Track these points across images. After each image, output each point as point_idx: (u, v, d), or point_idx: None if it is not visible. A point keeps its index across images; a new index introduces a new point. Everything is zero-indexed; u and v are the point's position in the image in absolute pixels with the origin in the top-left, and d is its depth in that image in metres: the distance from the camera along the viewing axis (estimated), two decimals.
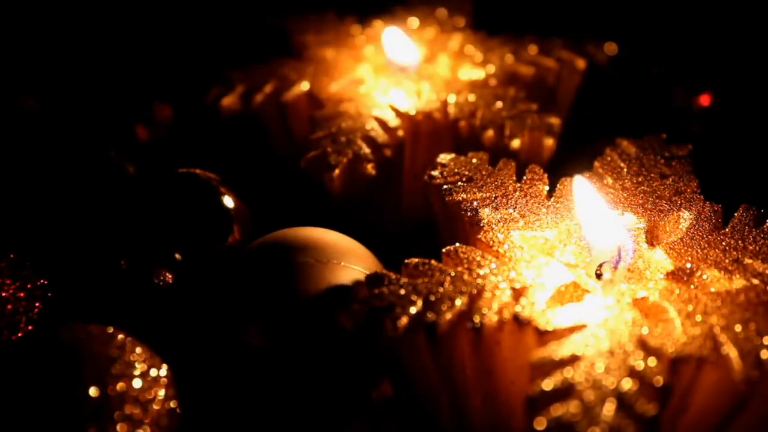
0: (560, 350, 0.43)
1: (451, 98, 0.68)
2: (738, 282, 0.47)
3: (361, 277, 0.52)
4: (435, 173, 0.57)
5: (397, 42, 0.74)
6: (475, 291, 0.46)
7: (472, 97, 0.68)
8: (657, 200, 0.55)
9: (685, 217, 0.53)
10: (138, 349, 0.48)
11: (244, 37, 0.91)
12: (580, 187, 0.53)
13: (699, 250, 0.51)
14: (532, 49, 0.75)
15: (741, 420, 0.43)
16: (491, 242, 0.50)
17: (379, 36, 0.78)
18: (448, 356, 0.47)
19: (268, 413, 0.53)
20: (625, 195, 0.56)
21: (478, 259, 0.48)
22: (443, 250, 0.49)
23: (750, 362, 0.41)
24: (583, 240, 0.52)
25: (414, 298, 0.46)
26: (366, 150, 0.64)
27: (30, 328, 0.55)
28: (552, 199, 0.55)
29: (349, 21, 0.82)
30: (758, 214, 0.53)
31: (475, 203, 0.54)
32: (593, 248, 0.51)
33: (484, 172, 0.57)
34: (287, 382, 0.52)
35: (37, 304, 0.56)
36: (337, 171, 0.62)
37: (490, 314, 0.45)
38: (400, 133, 0.66)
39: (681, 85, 0.85)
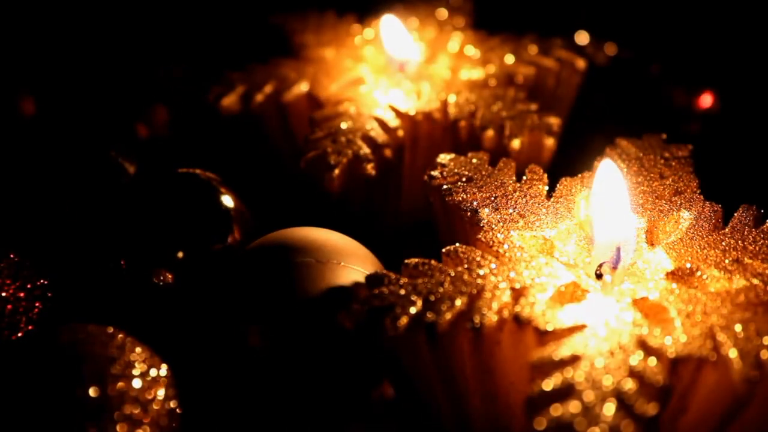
0: (560, 350, 0.43)
1: (451, 98, 0.68)
2: (738, 282, 0.47)
3: (361, 277, 0.52)
4: (435, 173, 0.57)
5: (395, 34, 0.74)
6: (475, 291, 0.46)
7: (472, 97, 0.68)
8: (657, 200, 0.55)
9: (685, 217, 0.53)
10: (138, 349, 0.48)
11: (244, 37, 0.91)
12: (603, 174, 0.53)
13: (699, 250, 0.51)
14: (532, 49, 0.75)
15: (741, 420, 0.43)
16: (491, 242, 0.50)
17: (379, 35, 0.78)
18: (448, 356, 0.47)
19: (268, 413, 0.53)
20: (626, 188, 0.56)
21: (478, 259, 0.48)
22: (443, 250, 0.49)
23: (750, 362, 0.41)
24: (584, 238, 0.52)
25: (414, 298, 0.46)
26: (366, 150, 0.64)
27: (30, 328, 0.55)
28: (552, 199, 0.55)
29: (348, 21, 0.82)
30: (758, 214, 0.53)
31: (475, 203, 0.54)
32: (595, 246, 0.51)
33: (484, 172, 0.57)
34: (287, 383, 0.52)
35: (37, 304, 0.56)
36: (337, 171, 0.62)
37: (490, 314, 0.45)
38: (400, 133, 0.66)
39: (681, 86, 0.85)
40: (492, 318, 0.45)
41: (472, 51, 0.76)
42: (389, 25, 0.75)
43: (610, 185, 0.52)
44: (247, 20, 0.94)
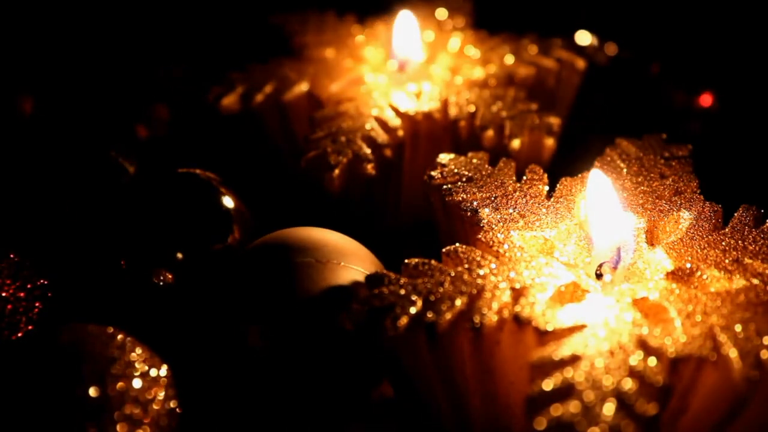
0: (560, 350, 0.43)
1: (451, 98, 0.68)
2: (738, 282, 0.47)
3: (361, 277, 0.52)
4: (435, 173, 0.57)
5: (407, 32, 0.74)
6: (475, 291, 0.46)
7: (472, 97, 0.68)
8: (657, 200, 0.55)
9: (685, 217, 0.53)
10: (138, 349, 0.48)
11: (244, 37, 0.91)
12: (594, 182, 0.53)
13: (699, 250, 0.51)
14: (532, 49, 0.75)
15: (741, 420, 0.43)
16: (491, 242, 0.50)
17: (379, 36, 0.78)
18: (448, 356, 0.47)
19: (268, 413, 0.53)
20: (625, 195, 0.56)
21: (478, 259, 0.48)
22: (443, 250, 0.49)
23: (750, 362, 0.41)
24: (584, 238, 0.52)
25: (414, 298, 0.46)
26: (366, 150, 0.64)
27: (30, 328, 0.55)
28: (552, 199, 0.55)
29: (349, 21, 0.82)
30: (758, 214, 0.53)
31: (475, 203, 0.54)
32: (595, 246, 0.51)
33: (484, 172, 0.57)
34: (287, 383, 0.52)
35: (37, 304, 0.56)
36: (337, 171, 0.62)
37: (490, 314, 0.45)
38: (400, 133, 0.66)
39: (681, 86, 0.85)
40: (492, 318, 0.45)
41: (472, 51, 0.76)
42: (404, 21, 0.75)
43: (602, 191, 0.52)
44: (247, 20, 0.94)
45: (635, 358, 0.42)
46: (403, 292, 0.46)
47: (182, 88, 0.84)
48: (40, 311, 0.56)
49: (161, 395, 0.47)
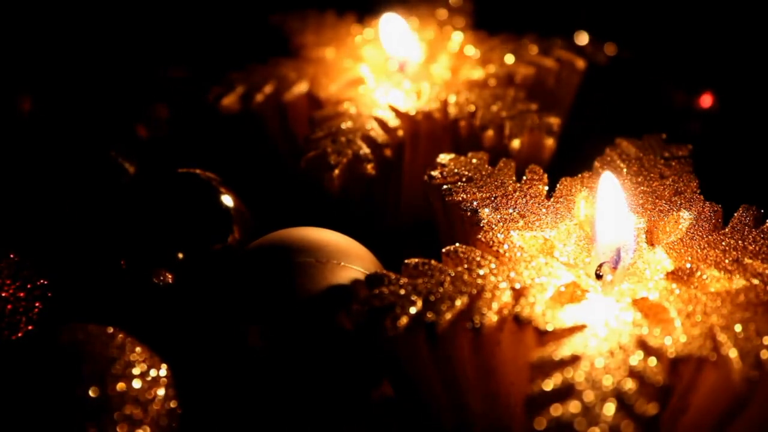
0: (560, 350, 0.43)
1: (451, 98, 0.68)
2: (738, 282, 0.47)
3: (361, 277, 0.52)
4: (435, 173, 0.57)
5: (395, 33, 0.74)
6: (475, 291, 0.46)
7: (472, 97, 0.68)
8: (657, 200, 0.55)
9: (685, 217, 0.53)
10: (138, 349, 0.48)
11: (244, 37, 0.91)
12: (604, 183, 0.53)
13: (699, 250, 0.51)
14: (532, 49, 0.75)
15: (741, 420, 0.43)
16: (491, 242, 0.50)
17: (379, 35, 0.78)
18: (448, 356, 0.47)
19: (268, 413, 0.53)
20: (625, 195, 0.56)
21: (478, 259, 0.48)
22: (443, 250, 0.49)
23: (750, 362, 0.41)
24: (584, 238, 0.52)
25: (414, 298, 0.46)
26: (366, 150, 0.64)
27: (30, 328, 0.55)
28: (552, 199, 0.55)
29: (348, 21, 0.82)
30: (758, 214, 0.53)
31: (475, 203, 0.54)
32: (596, 246, 0.51)
33: (484, 172, 0.57)
34: (287, 383, 0.52)
35: (37, 304, 0.56)
36: (337, 171, 0.62)
37: (490, 314, 0.45)
38: (400, 133, 0.66)
39: (681, 86, 0.85)
40: (492, 318, 0.45)
41: (472, 51, 0.76)
42: (389, 23, 0.75)
43: (610, 191, 0.52)
44: (247, 20, 0.94)
45: (635, 358, 0.42)
46: (403, 292, 0.46)
47: (182, 88, 0.84)
48: (40, 311, 0.56)
49: (161, 395, 0.47)
